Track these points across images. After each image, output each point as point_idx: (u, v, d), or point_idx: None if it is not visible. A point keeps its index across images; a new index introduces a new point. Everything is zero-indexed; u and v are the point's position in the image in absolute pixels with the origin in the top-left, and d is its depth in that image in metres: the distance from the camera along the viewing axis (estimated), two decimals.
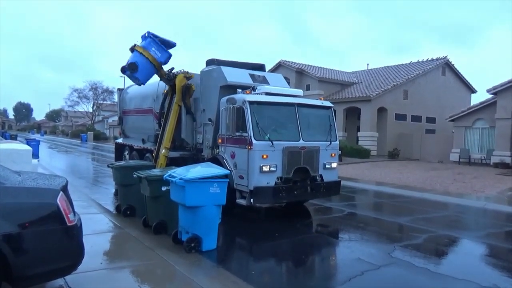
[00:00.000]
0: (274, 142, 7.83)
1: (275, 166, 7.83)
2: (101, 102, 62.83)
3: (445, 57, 31.07)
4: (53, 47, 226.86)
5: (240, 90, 8.60)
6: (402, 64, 33.87)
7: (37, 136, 55.79)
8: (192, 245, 5.69)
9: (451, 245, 7.30)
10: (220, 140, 8.70)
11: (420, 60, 32.65)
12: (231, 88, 8.88)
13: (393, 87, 27.78)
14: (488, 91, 21.37)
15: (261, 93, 8.43)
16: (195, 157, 10.08)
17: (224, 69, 9.37)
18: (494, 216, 9.92)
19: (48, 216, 3.54)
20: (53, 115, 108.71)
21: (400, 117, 28.46)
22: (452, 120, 24.24)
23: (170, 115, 10.28)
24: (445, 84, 30.95)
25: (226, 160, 8.35)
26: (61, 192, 3.67)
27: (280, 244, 6.82)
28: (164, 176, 5.99)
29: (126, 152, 14.14)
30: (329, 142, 8.68)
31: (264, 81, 9.79)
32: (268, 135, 7.89)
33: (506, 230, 8.72)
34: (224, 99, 8.57)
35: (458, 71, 31.92)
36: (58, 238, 3.57)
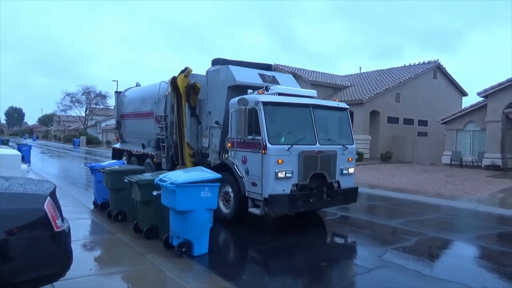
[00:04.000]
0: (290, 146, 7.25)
1: (291, 172, 7.21)
2: (94, 106, 62.45)
3: (437, 61, 31.36)
4: (46, 51, 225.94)
5: (251, 91, 8.05)
6: (394, 68, 34.11)
7: (29, 141, 55.42)
8: (183, 249, 5.65)
9: (442, 247, 7.33)
10: (229, 144, 8.04)
11: (412, 64, 32.92)
12: (240, 89, 8.36)
13: (385, 91, 27.97)
14: (478, 94, 21.60)
15: (274, 94, 7.82)
16: (200, 163, 9.26)
17: (233, 68, 8.78)
18: (485, 218, 10.00)
19: (35, 222, 3.49)
20: (46, 120, 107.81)
21: (393, 120, 28.65)
22: (444, 123, 24.44)
23: (183, 119, 9.81)
24: (436, 88, 31.23)
25: (236, 165, 7.76)
26: (48, 198, 3.63)
27: (271, 248, 6.80)
28: (155, 181, 5.95)
29: (125, 158, 13.36)
30: (346, 146, 8.14)
31: (274, 81, 9.23)
32: (283, 138, 7.37)
33: (497, 232, 8.79)
34: (234, 100, 7.90)
35: (449, 74, 32.23)
36: (45, 244, 3.52)
